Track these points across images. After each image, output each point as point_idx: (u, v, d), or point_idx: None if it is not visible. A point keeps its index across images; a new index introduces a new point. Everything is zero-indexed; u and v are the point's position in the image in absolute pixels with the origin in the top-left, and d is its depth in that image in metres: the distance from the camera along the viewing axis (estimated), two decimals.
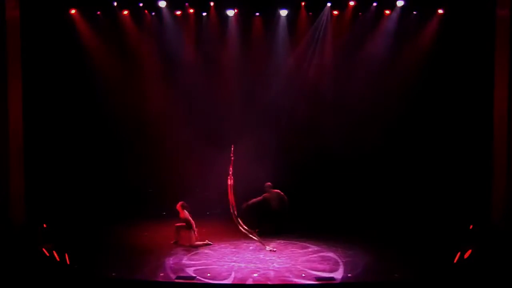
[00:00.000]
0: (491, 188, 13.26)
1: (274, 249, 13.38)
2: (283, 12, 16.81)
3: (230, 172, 13.79)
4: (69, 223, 14.87)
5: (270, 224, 14.99)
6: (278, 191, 15.26)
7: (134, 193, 16.98)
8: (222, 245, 13.89)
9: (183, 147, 16.94)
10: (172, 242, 14.01)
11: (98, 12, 16.60)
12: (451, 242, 12.79)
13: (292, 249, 13.68)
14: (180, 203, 14.10)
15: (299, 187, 16.22)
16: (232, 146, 13.76)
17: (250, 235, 13.74)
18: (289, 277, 11.55)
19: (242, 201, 14.76)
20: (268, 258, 12.89)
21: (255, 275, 11.66)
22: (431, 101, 16.68)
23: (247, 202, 14.94)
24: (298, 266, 12.21)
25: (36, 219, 13.01)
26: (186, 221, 13.84)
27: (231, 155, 13.72)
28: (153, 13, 16.89)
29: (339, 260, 12.61)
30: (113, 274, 11.44)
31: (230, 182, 13.83)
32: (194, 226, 13.86)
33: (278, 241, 14.20)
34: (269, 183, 15.36)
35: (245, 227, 13.82)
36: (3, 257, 11.45)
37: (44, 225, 12.54)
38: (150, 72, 17.36)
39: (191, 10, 16.89)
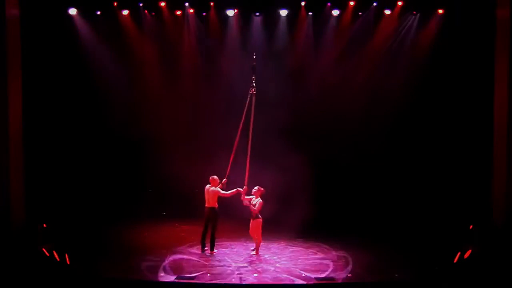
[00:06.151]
0: (492, 188, 13.25)
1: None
2: (283, 12, 16.81)
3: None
4: (69, 223, 14.86)
5: None
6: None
7: (134, 193, 16.96)
8: (223, 245, 13.89)
9: (183, 147, 16.90)
10: None
11: (98, 12, 16.60)
12: (451, 242, 12.80)
13: (293, 249, 13.70)
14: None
15: (299, 188, 16.18)
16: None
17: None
18: (289, 277, 11.54)
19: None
20: (268, 258, 12.90)
21: (255, 275, 11.67)
22: (432, 101, 16.67)
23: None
24: (299, 266, 12.22)
25: (36, 219, 12.99)
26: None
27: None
28: (153, 13, 16.89)
29: (339, 260, 12.62)
30: (113, 274, 11.44)
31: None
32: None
33: (279, 242, 14.20)
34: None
35: None
36: (3, 257, 11.44)
37: (44, 225, 12.53)
38: (150, 72, 17.34)
39: (191, 10, 16.89)
